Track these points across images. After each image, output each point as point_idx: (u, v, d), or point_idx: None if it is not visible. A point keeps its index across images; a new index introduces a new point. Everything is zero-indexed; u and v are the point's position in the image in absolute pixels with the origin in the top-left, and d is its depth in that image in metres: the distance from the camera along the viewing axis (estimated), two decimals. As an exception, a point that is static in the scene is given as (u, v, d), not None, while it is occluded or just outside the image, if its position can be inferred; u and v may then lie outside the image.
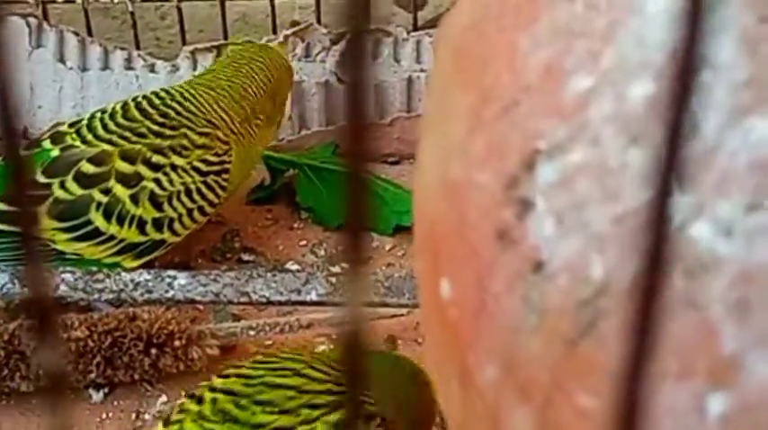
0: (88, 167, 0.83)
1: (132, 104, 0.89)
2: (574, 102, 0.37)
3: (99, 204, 0.82)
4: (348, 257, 0.18)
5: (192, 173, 0.85)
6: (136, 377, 0.79)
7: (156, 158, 0.84)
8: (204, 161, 0.86)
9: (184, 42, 1.09)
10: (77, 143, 0.85)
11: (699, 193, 0.33)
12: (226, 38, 1.08)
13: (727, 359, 0.31)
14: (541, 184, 0.37)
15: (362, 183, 0.19)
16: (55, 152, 0.84)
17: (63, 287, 0.69)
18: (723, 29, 0.34)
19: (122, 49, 1.07)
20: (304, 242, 0.93)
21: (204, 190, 0.86)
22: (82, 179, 0.83)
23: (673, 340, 0.32)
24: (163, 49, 1.15)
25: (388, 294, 0.68)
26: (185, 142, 0.86)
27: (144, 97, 0.91)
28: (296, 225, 0.95)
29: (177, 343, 0.78)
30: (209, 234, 0.94)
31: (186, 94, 0.90)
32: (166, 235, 0.84)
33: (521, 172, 0.38)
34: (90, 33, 1.08)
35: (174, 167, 0.84)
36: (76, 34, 1.06)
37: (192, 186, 0.85)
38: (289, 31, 1.07)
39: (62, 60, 1.06)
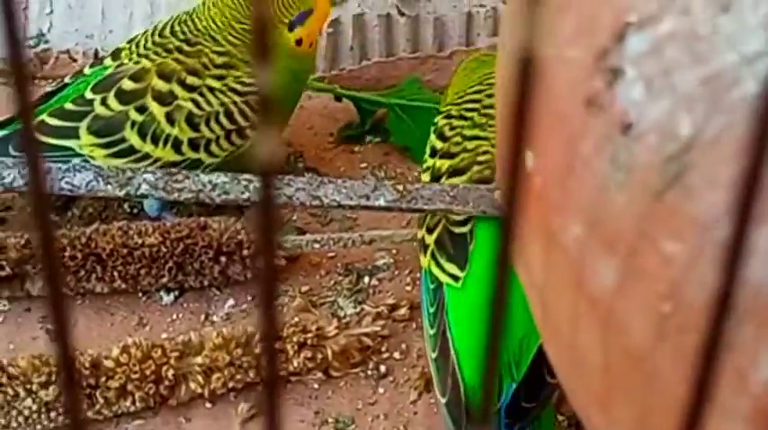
0: (128, 84, 0.85)
1: (174, 22, 0.90)
2: (664, -23, 0.39)
3: (134, 123, 0.84)
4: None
5: (230, 93, 0.86)
6: (205, 283, 0.82)
7: (190, 80, 0.85)
8: (241, 82, 0.87)
9: (248, -26, 1.11)
10: (127, 60, 0.87)
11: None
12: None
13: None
14: (631, 54, 0.39)
15: None
16: (110, 69, 0.87)
17: (144, 186, 0.72)
18: None
19: (189, -23, 1.10)
20: (365, 164, 0.96)
21: (247, 110, 0.86)
22: (121, 95, 0.85)
23: None
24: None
25: (453, 202, 0.71)
26: (230, 60, 0.87)
27: (188, 14, 0.90)
28: (357, 149, 0.98)
29: (245, 252, 0.81)
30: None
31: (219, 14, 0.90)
32: (203, 155, 0.85)
33: (611, 44, 0.40)
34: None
35: (210, 89, 0.85)
36: (145, -38, 1.09)
37: (233, 107, 0.86)
38: (351, -35, 1.09)
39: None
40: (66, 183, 0.72)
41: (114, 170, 0.72)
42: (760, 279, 0.34)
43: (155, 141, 0.84)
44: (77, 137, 0.84)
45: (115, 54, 0.89)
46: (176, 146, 0.84)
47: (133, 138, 0.84)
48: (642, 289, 0.38)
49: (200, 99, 0.85)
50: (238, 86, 0.86)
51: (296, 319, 0.78)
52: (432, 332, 0.71)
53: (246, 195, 0.71)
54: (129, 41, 0.90)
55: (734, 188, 0.35)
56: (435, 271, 0.72)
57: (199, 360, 0.74)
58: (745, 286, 0.34)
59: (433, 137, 0.81)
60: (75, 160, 0.83)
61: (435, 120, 0.83)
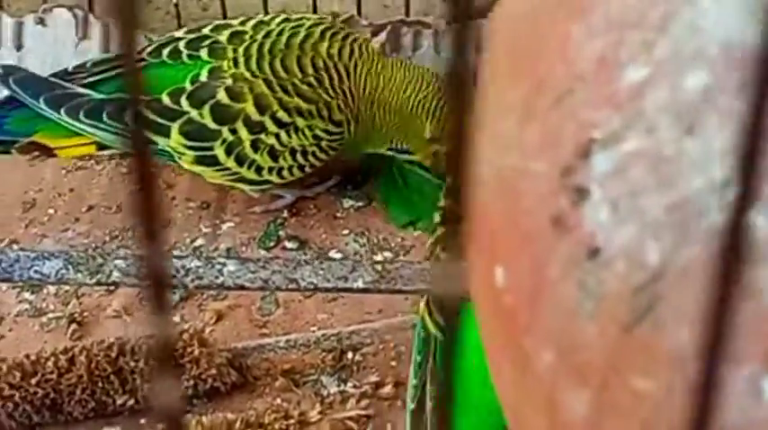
0: (223, 96, 0.88)
1: (297, 50, 0.92)
2: (628, 91, 0.37)
3: (224, 140, 0.88)
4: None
5: (311, 138, 0.89)
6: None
7: (280, 114, 0.88)
8: (326, 131, 0.90)
9: (227, 33, 1.10)
10: (227, 68, 0.89)
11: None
12: (267, 29, 1.09)
13: (782, 343, 0.32)
14: (596, 173, 0.37)
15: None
16: (204, 75, 0.89)
17: (116, 273, 0.70)
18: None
19: (166, 40, 1.08)
20: (347, 231, 0.94)
21: (318, 152, 0.90)
22: (217, 111, 0.88)
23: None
24: (205, 40, 1.16)
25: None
26: (320, 108, 0.90)
27: (313, 44, 0.93)
28: (339, 214, 0.96)
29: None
30: (255, 223, 0.95)
31: (349, 63, 0.93)
32: (274, 177, 0.90)
33: (576, 160, 0.38)
34: (134, 25, 1.09)
35: (296, 129, 0.89)
36: (121, 26, 1.08)
37: (309, 149, 0.90)
38: (330, 22, 1.08)
39: (107, 51, 1.07)
40: (36, 271, 0.70)
41: (84, 256, 0.71)
42: (736, 424, 0.32)
43: (239, 161, 0.89)
44: (168, 135, 0.88)
45: (214, 51, 0.91)
46: (258, 170, 0.90)
47: (220, 153, 0.88)
48: (615, 424, 0.36)
49: (283, 135, 0.89)
50: (322, 134, 0.90)
51: (278, 402, 0.76)
52: (414, 382, 0.69)
53: (221, 280, 0.69)
54: (233, 37, 0.92)
55: (703, 325, 0.33)
56: (428, 320, 0.71)
57: (178, 450, 0.72)
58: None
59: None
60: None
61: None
